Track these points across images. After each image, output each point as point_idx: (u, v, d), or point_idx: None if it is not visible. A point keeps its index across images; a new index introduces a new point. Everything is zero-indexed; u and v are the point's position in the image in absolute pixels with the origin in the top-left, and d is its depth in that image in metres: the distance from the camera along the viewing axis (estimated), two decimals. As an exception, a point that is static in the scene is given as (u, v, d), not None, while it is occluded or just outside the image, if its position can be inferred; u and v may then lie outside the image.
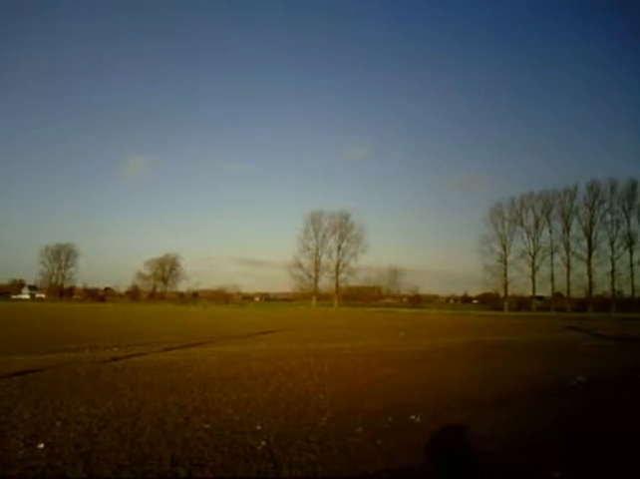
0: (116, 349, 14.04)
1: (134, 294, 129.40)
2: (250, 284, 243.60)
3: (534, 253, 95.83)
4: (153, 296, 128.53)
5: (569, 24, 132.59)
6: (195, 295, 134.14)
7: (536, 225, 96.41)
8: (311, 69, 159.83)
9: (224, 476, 4.23)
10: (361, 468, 4.48)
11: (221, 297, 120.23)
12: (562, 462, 4.69)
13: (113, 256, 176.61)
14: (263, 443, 5.15)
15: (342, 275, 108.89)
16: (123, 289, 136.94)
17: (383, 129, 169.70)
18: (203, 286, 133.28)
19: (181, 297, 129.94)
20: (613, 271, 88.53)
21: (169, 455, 4.69)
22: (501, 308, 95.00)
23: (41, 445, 4.91)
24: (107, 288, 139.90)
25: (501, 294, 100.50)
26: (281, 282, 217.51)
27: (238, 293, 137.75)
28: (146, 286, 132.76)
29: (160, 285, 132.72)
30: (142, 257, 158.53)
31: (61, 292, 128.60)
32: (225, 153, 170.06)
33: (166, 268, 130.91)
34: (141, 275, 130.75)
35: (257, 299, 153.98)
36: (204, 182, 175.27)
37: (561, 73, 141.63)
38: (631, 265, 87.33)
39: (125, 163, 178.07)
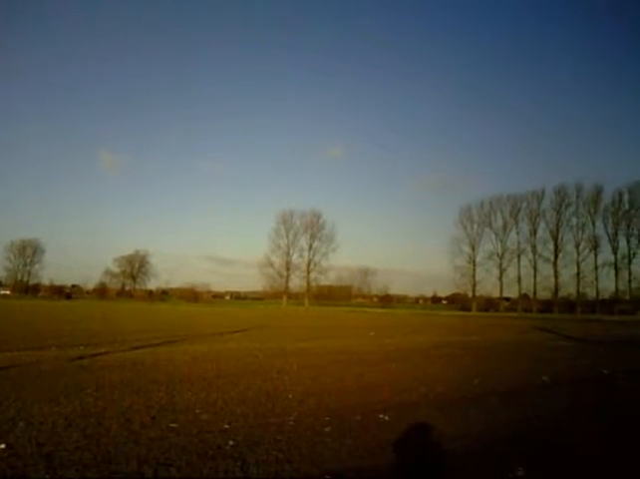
0: (82, 348, 13.79)
1: (101, 292, 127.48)
2: (221, 283, 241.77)
3: (502, 255, 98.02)
4: (121, 294, 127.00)
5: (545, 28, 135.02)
6: (165, 293, 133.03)
7: (504, 227, 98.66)
8: (286, 67, 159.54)
9: (191, 475, 4.20)
10: (328, 467, 4.50)
11: (191, 296, 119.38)
12: (526, 460, 4.79)
13: (80, 253, 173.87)
14: (231, 442, 5.14)
15: (313, 275, 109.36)
16: (90, 287, 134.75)
17: (358, 129, 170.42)
18: (173, 284, 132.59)
19: (151, 295, 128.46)
20: (578, 274, 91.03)
21: (136, 455, 4.64)
22: (470, 309, 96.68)
23: (2, 445, 4.80)
24: (74, 286, 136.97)
25: (470, 295, 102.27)
26: (252, 281, 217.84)
27: (208, 292, 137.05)
28: (114, 284, 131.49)
29: (128, 283, 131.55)
30: (110, 255, 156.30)
31: (26, 289, 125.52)
32: (197, 151, 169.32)
33: (135, 266, 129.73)
34: (109, 273, 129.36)
35: (228, 298, 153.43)
36: (175, 179, 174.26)
37: (534, 79, 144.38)
38: (595, 268, 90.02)
39: (97, 159, 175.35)
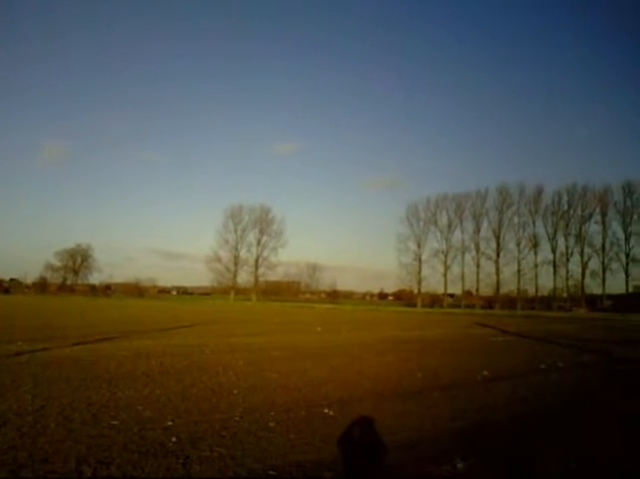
0: (20, 343, 13.29)
1: (42, 286, 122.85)
2: (167, 278, 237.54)
3: (447, 253, 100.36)
4: (62, 288, 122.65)
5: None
6: (108, 288, 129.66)
7: (449, 225, 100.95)
8: (237, 61, 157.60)
9: (132, 474, 4.13)
10: (272, 462, 4.51)
11: (136, 291, 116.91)
12: (465, 453, 4.93)
13: (19, 246, 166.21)
14: (174, 439, 5.08)
15: (261, 270, 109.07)
16: (30, 281, 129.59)
17: (309, 127, 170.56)
18: (117, 279, 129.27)
19: (93, 290, 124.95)
20: (519, 271, 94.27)
21: (74, 453, 4.53)
22: (415, 305, 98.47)
23: None
24: (12, 279, 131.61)
25: (415, 291, 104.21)
26: (200, 276, 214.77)
27: (154, 287, 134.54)
28: (55, 278, 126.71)
29: (70, 277, 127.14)
30: (51, 248, 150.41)
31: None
32: (143, 142, 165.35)
33: (78, 260, 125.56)
34: (50, 266, 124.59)
35: (174, 293, 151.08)
36: (121, 170, 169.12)
37: (479, 77, 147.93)
38: (535, 266, 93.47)
39: (38, 149, 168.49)
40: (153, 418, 5.95)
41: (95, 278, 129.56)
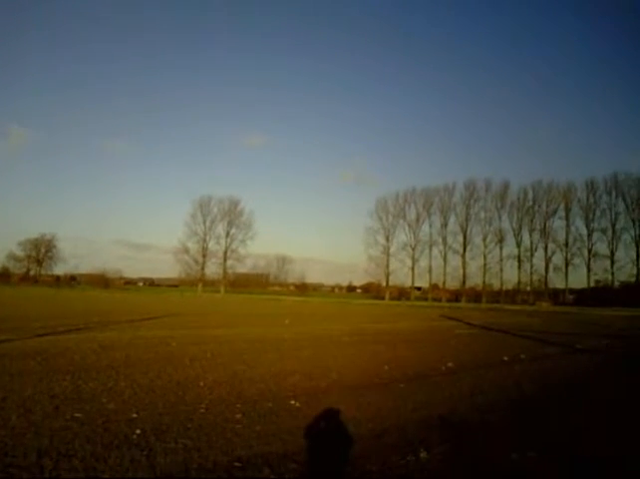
0: (-21, 335, 12.99)
1: (4, 276, 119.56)
2: (134, 269, 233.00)
3: (415, 246, 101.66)
4: (25, 279, 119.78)
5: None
6: (73, 279, 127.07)
7: (417, 219, 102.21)
8: (209, 52, 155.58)
9: (95, 466, 4.09)
10: (237, 453, 4.52)
11: (101, 282, 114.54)
12: (429, 443, 5.02)
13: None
14: (138, 431, 5.04)
15: (230, 262, 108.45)
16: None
17: (281, 120, 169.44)
18: (82, 270, 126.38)
19: (58, 281, 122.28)
20: (485, 265, 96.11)
21: (35, 446, 4.45)
22: (383, 298, 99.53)
23: None
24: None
25: (383, 284, 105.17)
26: (167, 268, 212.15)
27: (120, 278, 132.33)
28: (18, 269, 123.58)
29: (34, 268, 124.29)
30: (14, 238, 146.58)
31: None
32: (111, 130, 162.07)
33: (42, 250, 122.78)
34: (12, 256, 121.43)
35: (141, 284, 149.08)
36: (87, 159, 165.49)
37: (448, 75, 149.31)
38: (500, 260, 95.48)
39: (3, 135, 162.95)
40: (117, 410, 5.89)
41: (59, 269, 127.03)
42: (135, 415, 5.69)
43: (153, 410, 5.98)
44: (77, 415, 5.59)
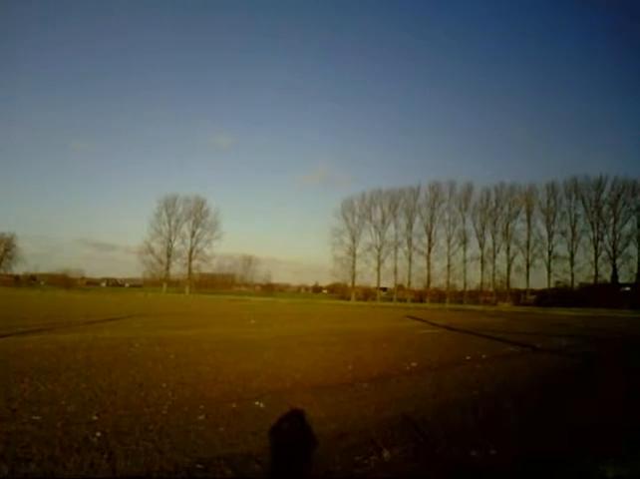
0: None
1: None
2: (97, 269, 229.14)
3: (380, 247, 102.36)
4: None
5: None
6: (33, 279, 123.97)
7: (383, 220, 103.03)
8: (176, 51, 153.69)
9: (53, 470, 4.00)
10: (200, 455, 4.49)
11: (63, 282, 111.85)
12: (392, 442, 5.08)
13: None
14: (99, 434, 4.96)
15: (195, 262, 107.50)
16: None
17: (249, 120, 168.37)
18: (43, 270, 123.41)
19: (17, 281, 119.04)
20: (449, 266, 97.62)
21: (-10, 451, 4.34)
22: (349, 298, 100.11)
23: None
24: None
25: (349, 285, 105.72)
26: (131, 268, 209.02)
27: (82, 278, 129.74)
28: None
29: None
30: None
31: None
32: (74, 129, 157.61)
33: (0, 249, 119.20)
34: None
35: (104, 285, 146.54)
36: (48, 157, 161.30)
37: (413, 76, 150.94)
38: (464, 261, 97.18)
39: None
40: (77, 413, 5.78)
41: (19, 269, 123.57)
42: (95, 418, 5.59)
43: (114, 412, 5.89)
44: (35, 418, 5.46)
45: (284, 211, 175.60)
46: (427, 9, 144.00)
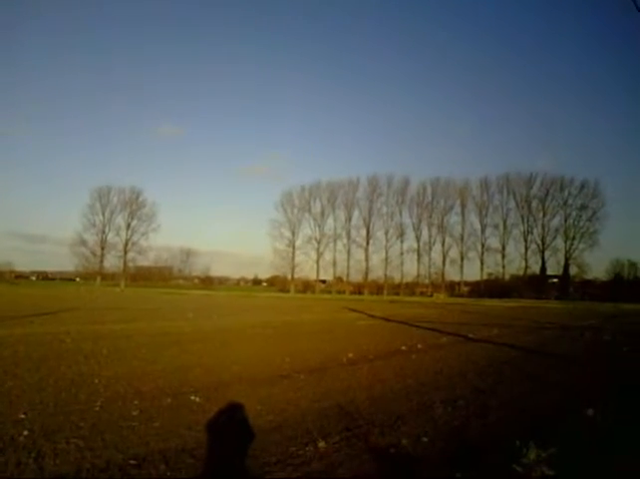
0: None
1: None
2: (26, 262, 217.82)
3: (320, 240, 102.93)
4: None
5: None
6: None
7: (322, 213, 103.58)
8: (128, 39, 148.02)
9: (-24, 472, 3.86)
10: (134, 451, 4.43)
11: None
12: (327, 432, 5.18)
13: None
14: (26, 433, 4.80)
15: (131, 255, 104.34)
16: None
17: (192, 114, 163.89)
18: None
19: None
20: (386, 259, 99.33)
21: None
22: (288, 291, 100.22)
23: None
24: None
25: (289, 277, 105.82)
26: (62, 261, 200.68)
27: (11, 272, 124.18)
28: None
29: None
30: None
31: None
32: (2, 115, 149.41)
33: None
34: None
35: (34, 278, 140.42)
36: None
37: (356, 69, 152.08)
38: (401, 254, 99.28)
39: None
40: (2, 411, 5.57)
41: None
42: (22, 416, 5.41)
43: (42, 410, 5.71)
44: (-44, 418, 5.23)
45: (225, 203, 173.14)
46: None
